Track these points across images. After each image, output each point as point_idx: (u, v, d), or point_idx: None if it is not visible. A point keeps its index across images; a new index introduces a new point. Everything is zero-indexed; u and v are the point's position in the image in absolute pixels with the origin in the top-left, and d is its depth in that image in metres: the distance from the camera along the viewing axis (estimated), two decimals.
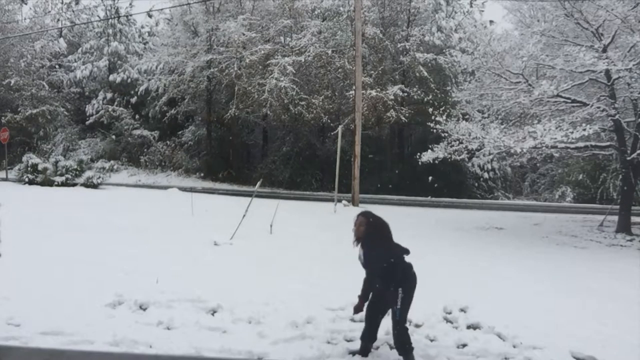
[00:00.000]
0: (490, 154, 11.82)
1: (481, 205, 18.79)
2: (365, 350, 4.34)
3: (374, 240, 4.12)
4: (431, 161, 12.80)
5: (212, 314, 5.20)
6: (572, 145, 11.15)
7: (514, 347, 4.67)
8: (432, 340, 4.76)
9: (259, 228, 9.94)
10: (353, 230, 4.19)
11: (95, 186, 17.67)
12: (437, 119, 12.63)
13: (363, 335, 4.34)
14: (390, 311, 4.19)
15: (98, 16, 30.45)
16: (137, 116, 27.27)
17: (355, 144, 15.99)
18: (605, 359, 4.45)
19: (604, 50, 10.60)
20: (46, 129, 27.78)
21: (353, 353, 4.36)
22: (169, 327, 4.79)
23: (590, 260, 8.99)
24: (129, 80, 27.63)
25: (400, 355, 4.16)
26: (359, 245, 4.17)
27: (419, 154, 13.21)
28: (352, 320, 4.99)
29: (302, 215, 12.89)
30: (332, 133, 21.29)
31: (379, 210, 4.87)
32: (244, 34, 22.22)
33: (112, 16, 29.25)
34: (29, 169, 17.92)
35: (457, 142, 11.93)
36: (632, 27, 10.32)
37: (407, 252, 4.15)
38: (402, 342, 4.10)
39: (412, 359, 4.12)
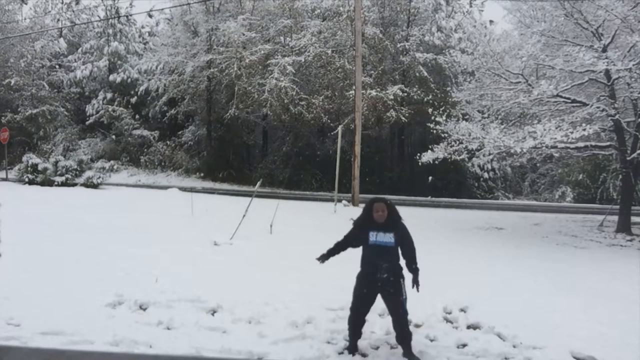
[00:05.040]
0: (490, 154, 11.81)
1: (481, 205, 18.80)
2: (353, 347, 4.41)
3: (399, 218, 4.33)
4: (431, 161, 12.80)
5: (212, 314, 5.19)
6: (572, 145, 11.15)
7: (514, 347, 4.67)
8: (432, 340, 4.75)
9: (259, 228, 9.93)
10: (376, 216, 4.23)
11: (95, 186, 17.66)
12: (437, 119, 12.63)
13: (350, 336, 4.45)
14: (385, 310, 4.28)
15: (98, 16, 30.47)
16: (137, 116, 27.27)
17: (355, 144, 15.98)
18: (605, 359, 4.45)
19: (604, 50, 10.60)
20: (46, 129, 27.79)
21: (350, 351, 4.40)
22: (169, 327, 4.79)
23: (590, 260, 9.00)
24: (129, 80, 27.64)
25: (401, 344, 4.30)
26: (379, 231, 4.22)
27: (419, 154, 13.21)
28: None
29: (302, 215, 12.88)
30: (332, 133, 21.29)
31: None
32: (244, 34, 22.23)
33: (112, 16, 29.25)
34: (29, 169, 17.92)
35: (457, 142, 11.93)
36: (632, 27, 10.32)
37: None
38: (407, 332, 4.27)
39: (411, 347, 4.27)
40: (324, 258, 4.52)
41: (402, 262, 4.32)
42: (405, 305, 4.25)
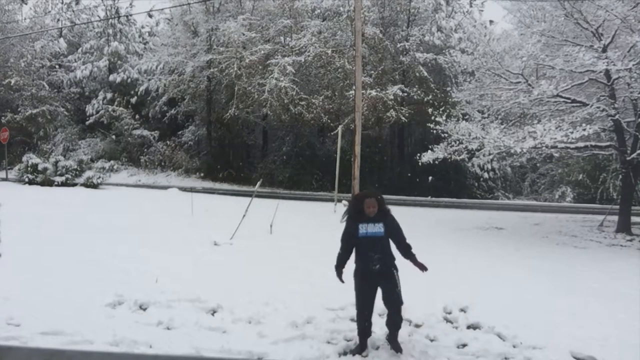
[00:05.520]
0: (490, 154, 11.81)
1: (481, 205, 18.79)
2: (362, 346, 4.40)
3: (387, 209, 4.38)
4: (431, 161, 12.79)
5: (212, 314, 5.20)
6: (572, 145, 11.14)
7: (514, 347, 4.67)
8: (432, 340, 4.76)
9: (259, 228, 9.94)
10: (368, 212, 4.26)
11: (95, 186, 17.66)
12: (437, 119, 12.62)
13: (360, 335, 4.45)
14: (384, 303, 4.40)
15: (98, 16, 30.46)
16: (137, 116, 27.25)
17: (355, 144, 15.96)
18: (605, 359, 4.45)
19: (604, 50, 10.59)
20: (46, 129, 27.79)
21: (353, 352, 4.38)
22: (169, 327, 4.79)
23: (590, 260, 8.99)
24: (129, 80, 27.64)
25: (394, 330, 4.38)
26: (368, 222, 4.27)
27: (419, 154, 13.20)
28: (352, 320, 4.99)
29: (302, 215, 12.88)
30: (332, 133, 21.29)
31: None
32: (244, 34, 22.23)
33: (112, 16, 29.24)
34: (29, 169, 17.91)
35: (457, 142, 11.92)
36: (632, 27, 10.32)
37: None
38: (399, 318, 4.35)
39: (397, 335, 4.41)
40: (340, 275, 4.48)
41: (395, 253, 4.37)
42: (401, 296, 4.31)
